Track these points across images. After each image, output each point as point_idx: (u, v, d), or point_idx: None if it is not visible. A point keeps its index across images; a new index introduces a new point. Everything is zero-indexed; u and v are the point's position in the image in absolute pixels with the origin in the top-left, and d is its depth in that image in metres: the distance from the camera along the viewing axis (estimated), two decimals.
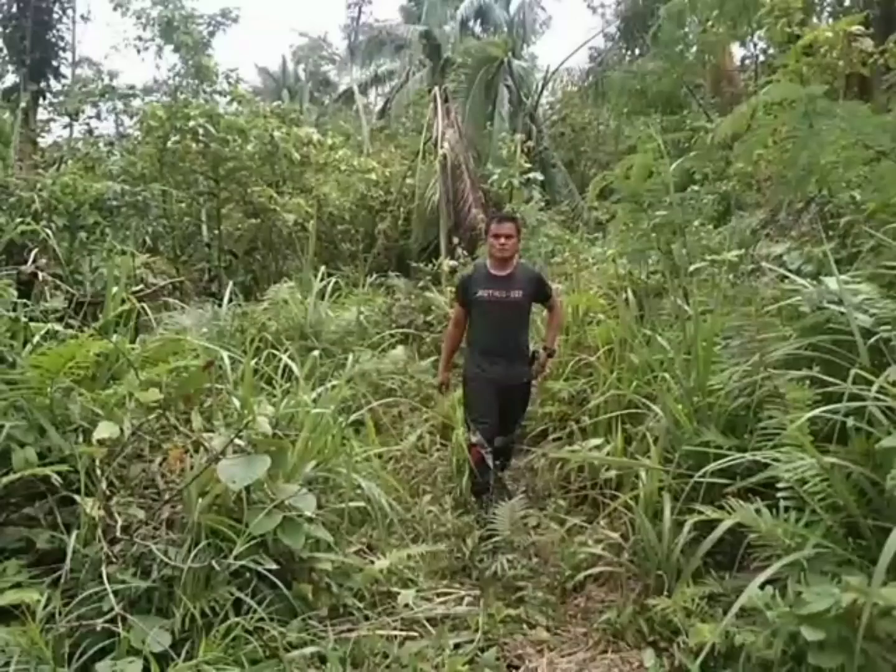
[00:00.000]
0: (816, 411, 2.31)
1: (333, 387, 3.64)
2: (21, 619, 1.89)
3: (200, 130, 7.83)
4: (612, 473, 3.45)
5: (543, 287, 3.95)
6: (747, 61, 12.86)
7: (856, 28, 4.68)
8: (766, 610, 1.92)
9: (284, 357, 3.76)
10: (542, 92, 15.80)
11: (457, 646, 2.47)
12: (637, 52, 13.61)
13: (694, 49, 8.32)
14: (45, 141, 12.67)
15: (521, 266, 3.99)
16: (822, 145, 3.10)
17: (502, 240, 3.76)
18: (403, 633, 2.49)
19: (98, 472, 2.34)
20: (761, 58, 10.04)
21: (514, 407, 3.92)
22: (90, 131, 11.03)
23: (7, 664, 1.68)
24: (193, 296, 7.68)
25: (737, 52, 11.74)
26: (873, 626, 1.72)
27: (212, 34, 13.24)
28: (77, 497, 2.22)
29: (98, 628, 1.90)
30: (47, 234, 4.03)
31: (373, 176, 10.89)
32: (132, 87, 11.68)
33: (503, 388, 3.77)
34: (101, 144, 9.64)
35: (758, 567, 2.21)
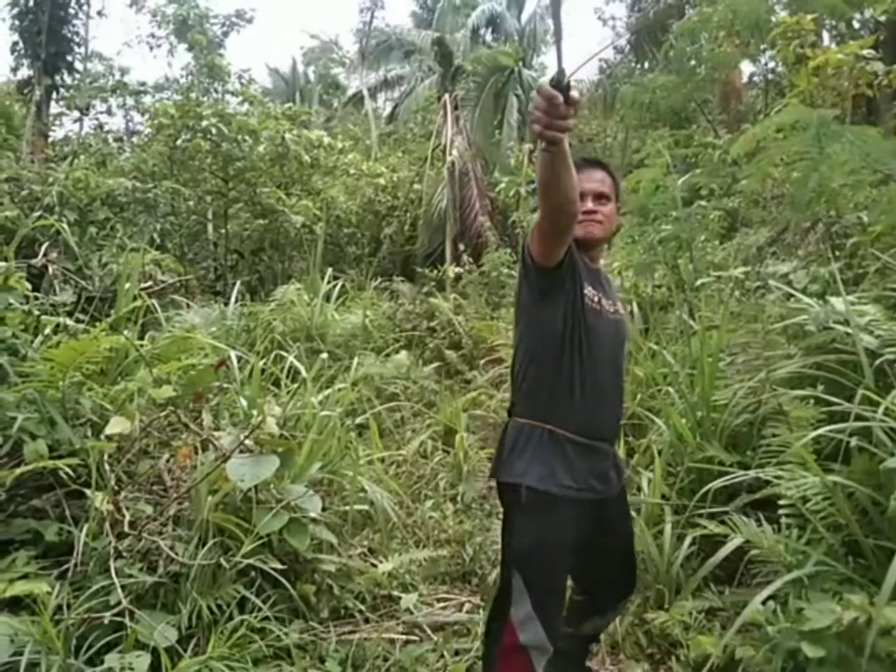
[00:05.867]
0: (821, 430, 2.34)
1: (340, 390, 3.66)
2: (29, 609, 1.90)
3: (213, 130, 7.87)
4: None
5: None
6: (755, 78, 12.95)
7: (867, 52, 4.72)
8: (767, 625, 1.94)
9: (291, 358, 3.79)
10: None
11: (457, 651, 2.49)
12: (647, 65, 13.68)
13: (705, 66, 8.42)
14: (55, 135, 12.74)
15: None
16: (833, 168, 3.14)
17: (589, 203, 1.88)
18: (404, 637, 2.51)
19: (107, 466, 2.36)
20: (769, 76, 10.12)
21: (619, 542, 2.05)
22: (100, 126, 11.10)
23: (19, 654, 1.70)
24: (198, 294, 7.70)
25: (744, 68, 11.83)
26: (873, 644, 1.74)
27: (226, 34, 13.36)
28: (87, 491, 2.23)
29: (106, 621, 1.92)
30: (62, 229, 4.05)
31: (380, 181, 10.93)
32: (143, 84, 11.77)
33: (603, 509, 1.89)
34: (110, 140, 9.69)
35: (758, 583, 2.23)
